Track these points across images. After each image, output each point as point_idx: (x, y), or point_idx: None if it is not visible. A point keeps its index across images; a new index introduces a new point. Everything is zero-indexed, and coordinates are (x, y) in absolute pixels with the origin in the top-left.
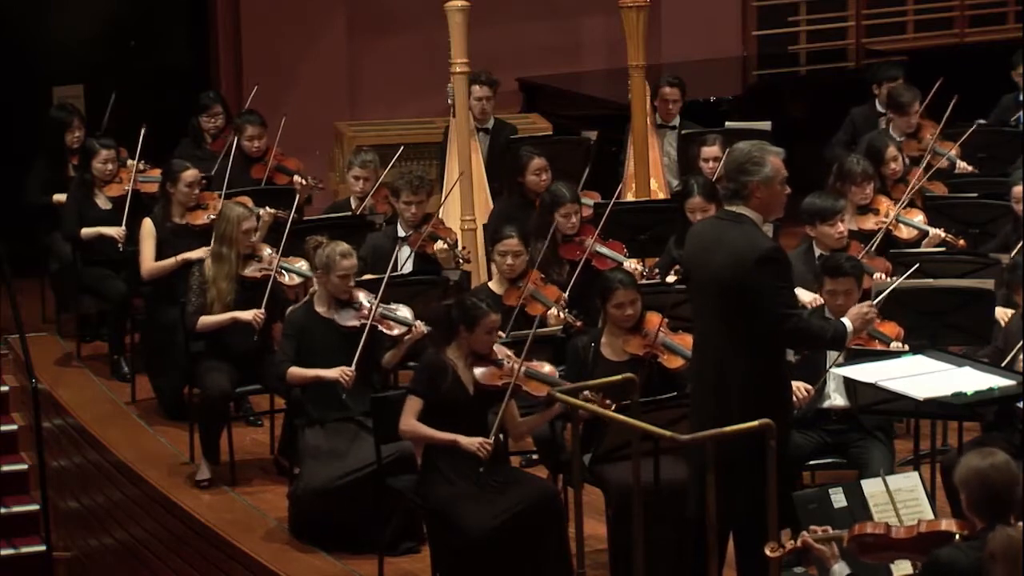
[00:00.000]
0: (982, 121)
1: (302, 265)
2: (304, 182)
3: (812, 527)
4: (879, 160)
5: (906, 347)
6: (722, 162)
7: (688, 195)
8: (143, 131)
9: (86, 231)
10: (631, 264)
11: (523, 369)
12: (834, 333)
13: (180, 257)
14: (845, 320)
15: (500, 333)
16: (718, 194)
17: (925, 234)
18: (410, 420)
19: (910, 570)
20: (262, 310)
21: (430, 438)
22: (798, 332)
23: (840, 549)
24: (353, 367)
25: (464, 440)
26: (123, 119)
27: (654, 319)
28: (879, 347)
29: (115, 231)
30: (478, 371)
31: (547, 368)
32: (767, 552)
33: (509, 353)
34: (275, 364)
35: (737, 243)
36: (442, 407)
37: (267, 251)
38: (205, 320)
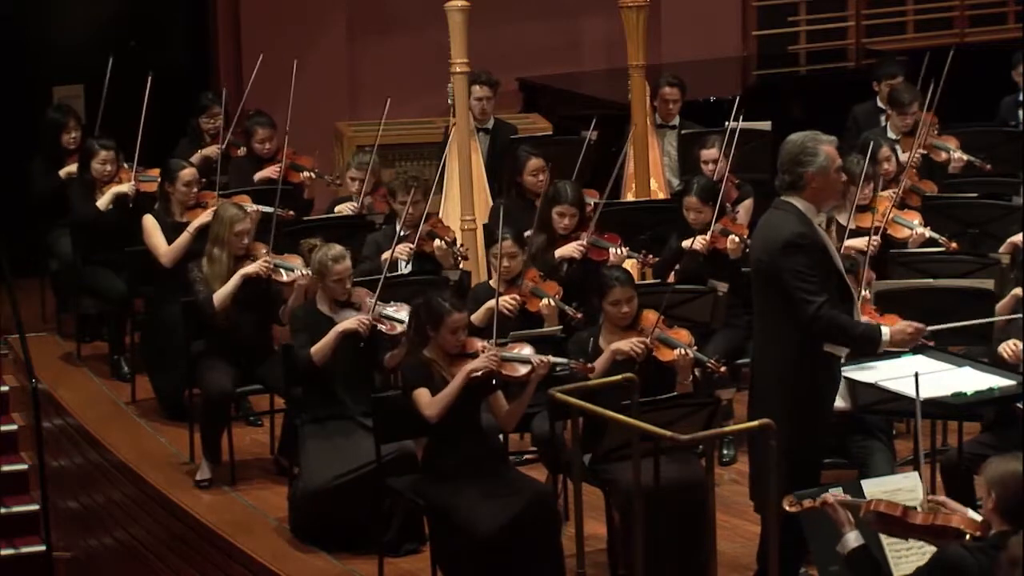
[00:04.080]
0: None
1: (299, 262)
2: (313, 176)
3: (832, 491)
4: (872, 160)
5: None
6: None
7: (687, 193)
8: (140, 134)
9: (101, 200)
10: (622, 251)
11: (499, 355)
12: (865, 331)
13: (191, 227)
14: (885, 327)
15: (488, 345)
16: (717, 196)
17: (922, 235)
18: (429, 403)
19: (910, 570)
20: (269, 258)
21: (450, 395)
22: (819, 320)
23: (856, 518)
24: (369, 318)
25: (472, 365)
26: (122, 119)
27: (651, 316)
28: None
29: (126, 187)
30: (457, 367)
31: (527, 351)
32: (785, 506)
33: (484, 344)
34: (297, 358)
35: (769, 230)
36: None
37: (263, 250)
38: (219, 293)
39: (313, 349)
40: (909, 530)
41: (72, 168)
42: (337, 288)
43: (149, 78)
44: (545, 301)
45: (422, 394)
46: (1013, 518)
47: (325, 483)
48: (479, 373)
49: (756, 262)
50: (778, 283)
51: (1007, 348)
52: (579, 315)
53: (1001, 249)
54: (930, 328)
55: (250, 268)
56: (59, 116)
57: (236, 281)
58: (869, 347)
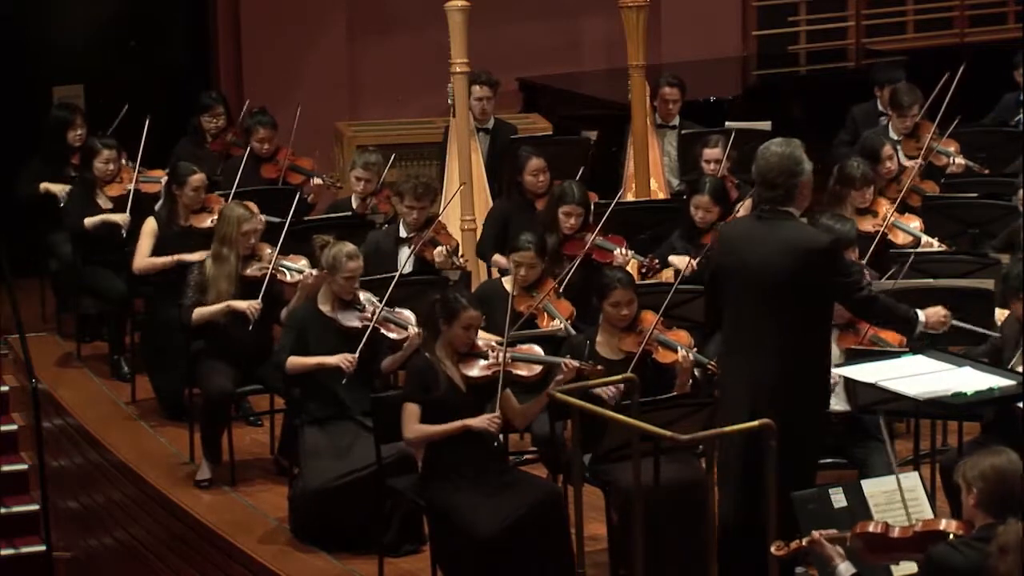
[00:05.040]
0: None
1: (303, 263)
2: (321, 181)
3: (818, 532)
4: (875, 159)
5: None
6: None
7: (697, 191)
8: (145, 133)
9: (89, 220)
10: (627, 253)
11: (508, 355)
12: (907, 313)
13: (175, 257)
14: (921, 312)
15: (493, 341)
16: (726, 197)
17: (919, 240)
18: (413, 426)
19: (910, 568)
20: (258, 301)
21: (440, 434)
22: (874, 301)
23: (845, 549)
24: (355, 356)
25: (474, 421)
26: (123, 120)
27: (649, 317)
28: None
29: (119, 218)
30: (467, 368)
31: (534, 349)
32: (772, 551)
33: (493, 343)
34: (274, 355)
35: (795, 237)
36: (437, 408)
37: (267, 251)
38: (200, 311)
39: (290, 361)
40: (896, 548)
41: (53, 187)
42: (346, 286)
43: (145, 132)
44: (556, 323)
45: (411, 412)
46: (997, 511)
47: (325, 484)
48: (478, 427)
49: (775, 274)
50: (798, 289)
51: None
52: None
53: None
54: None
55: (239, 304)
56: (65, 114)
57: (220, 309)
58: (911, 328)
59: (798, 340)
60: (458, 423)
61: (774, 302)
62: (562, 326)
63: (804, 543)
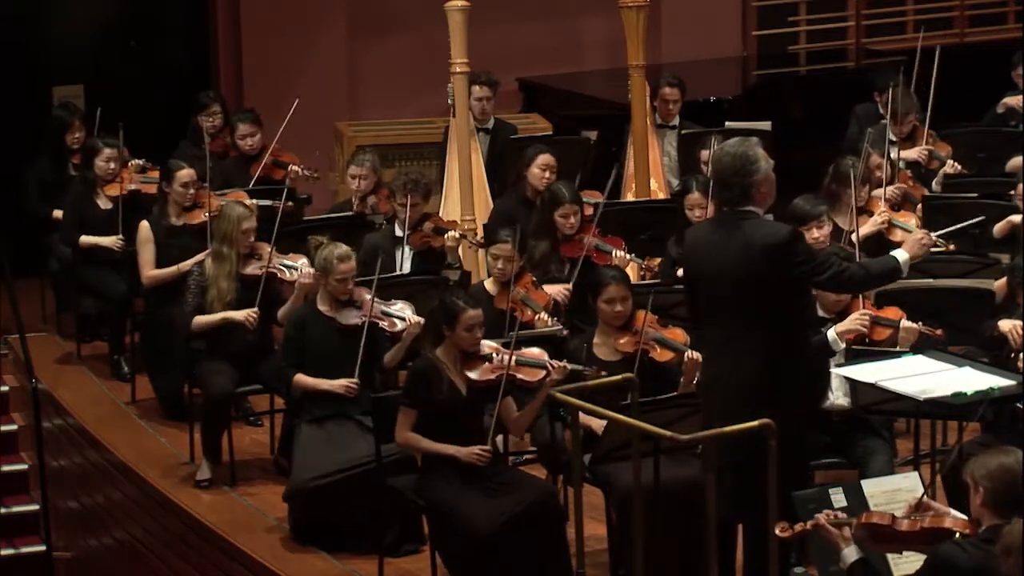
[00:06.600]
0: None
1: (303, 262)
2: (299, 171)
3: (825, 511)
4: (865, 164)
5: (917, 323)
6: (711, 170)
7: (687, 191)
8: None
9: (84, 239)
10: (625, 256)
11: (513, 359)
12: (885, 267)
13: (182, 265)
14: (898, 251)
15: (494, 345)
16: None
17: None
18: (405, 433)
19: (910, 571)
20: (255, 309)
21: (427, 451)
22: (857, 278)
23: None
24: (356, 376)
25: (461, 452)
26: (122, 120)
27: (644, 317)
28: (884, 333)
29: (112, 241)
30: (470, 371)
31: (536, 351)
32: (777, 532)
33: (498, 347)
34: (280, 368)
35: (756, 234)
36: (438, 411)
37: (267, 249)
38: (199, 320)
39: (297, 380)
40: (900, 540)
41: (59, 214)
42: (339, 287)
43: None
44: (541, 315)
45: (405, 417)
46: (1005, 511)
47: (316, 479)
48: (465, 459)
49: (739, 273)
50: (766, 287)
51: (1016, 330)
52: (566, 332)
53: (996, 228)
54: (935, 234)
55: (236, 315)
56: (65, 115)
57: (218, 319)
58: (899, 273)
59: (774, 340)
60: (445, 449)
61: (744, 303)
62: (544, 316)
63: (808, 526)
